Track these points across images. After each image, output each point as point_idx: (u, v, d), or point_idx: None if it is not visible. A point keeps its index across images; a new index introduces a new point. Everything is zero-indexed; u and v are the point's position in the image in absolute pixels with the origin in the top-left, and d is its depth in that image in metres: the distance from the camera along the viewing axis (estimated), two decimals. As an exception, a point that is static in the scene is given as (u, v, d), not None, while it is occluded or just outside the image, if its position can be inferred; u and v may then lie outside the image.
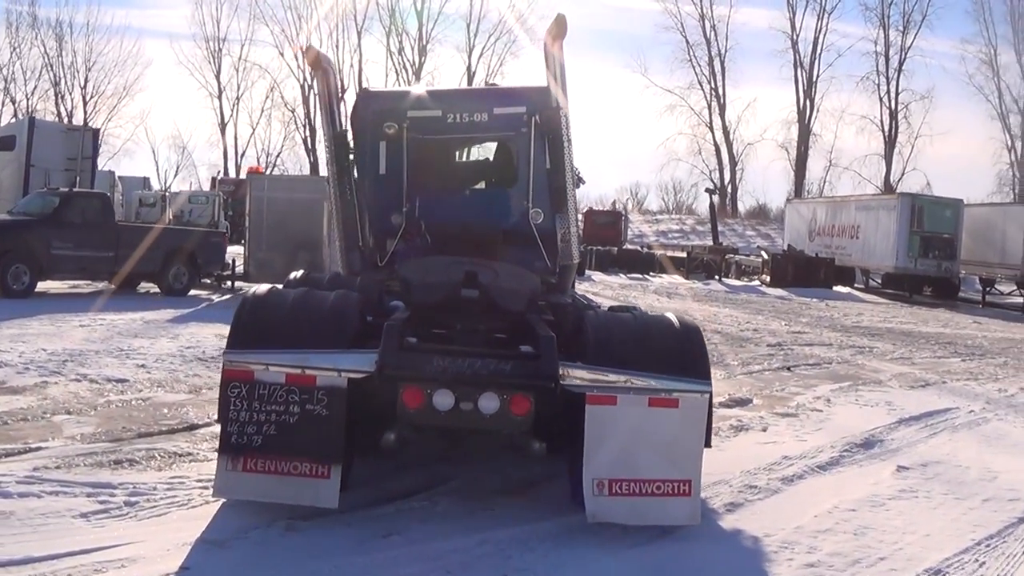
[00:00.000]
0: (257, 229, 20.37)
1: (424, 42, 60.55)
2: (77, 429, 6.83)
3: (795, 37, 59.73)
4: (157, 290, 18.20)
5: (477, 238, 8.85)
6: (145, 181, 43.75)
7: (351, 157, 8.97)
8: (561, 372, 5.03)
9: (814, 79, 59.94)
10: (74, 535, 4.61)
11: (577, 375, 5.09)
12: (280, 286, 6.28)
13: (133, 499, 5.21)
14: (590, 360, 5.25)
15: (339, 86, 8.77)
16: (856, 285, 35.41)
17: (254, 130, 64.97)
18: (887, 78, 58.85)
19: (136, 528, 4.81)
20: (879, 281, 35.49)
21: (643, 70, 78.40)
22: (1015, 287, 31.08)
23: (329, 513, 5.03)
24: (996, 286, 32.84)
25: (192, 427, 7.21)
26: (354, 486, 5.45)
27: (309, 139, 63.02)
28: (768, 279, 33.14)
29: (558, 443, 5.43)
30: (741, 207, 64.80)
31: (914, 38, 57.95)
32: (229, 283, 20.38)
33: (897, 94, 58.84)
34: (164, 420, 7.33)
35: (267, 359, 4.98)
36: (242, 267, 20.61)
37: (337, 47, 61.64)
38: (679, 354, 5.44)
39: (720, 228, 48.65)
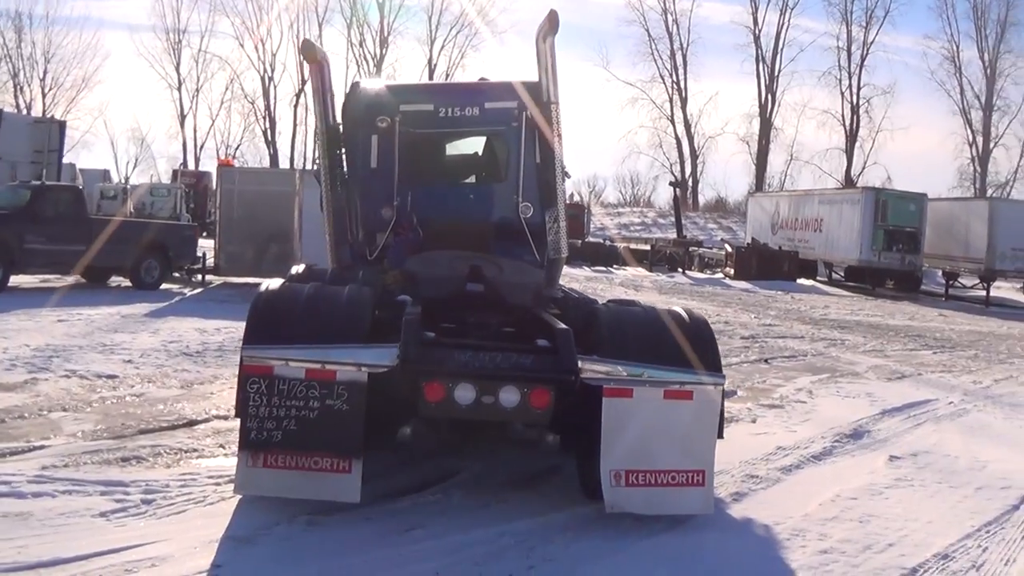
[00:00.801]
0: (227, 222, 20.20)
1: (385, 34, 60.29)
2: (77, 426, 6.77)
3: (757, 32, 60.31)
4: (128, 284, 17.99)
5: (467, 232, 8.88)
6: (105, 174, 43.17)
7: (341, 151, 8.95)
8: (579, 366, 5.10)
9: (776, 74, 60.56)
10: (97, 535, 4.58)
11: (594, 368, 5.15)
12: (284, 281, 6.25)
13: (149, 497, 5.18)
14: (605, 353, 5.32)
15: (332, 80, 8.72)
16: (819, 278, 35.88)
17: (213, 122, 64.32)
18: (849, 73, 59.62)
19: (158, 526, 4.79)
20: (842, 274, 35.90)
21: (605, 63, 78.72)
22: (978, 281, 31.63)
23: (347, 507, 5.05)
24: (959, 280, 33.39)
25: (191, 423, 7.17)
26: (366, 480, 5.46)
27: (269, 131, 62.63)
28: (732, 272, 33.41)
29: (568, 436, 5.50)
30: (702, 200, 65.38)
31: (876, 33, 58.78)
32: (200, 276, 20.20)
33: (859, 89, 59.63)
34: (162, 416, 7.28)
35: (287, 354, 4.97)
36: (212, 260, 20.43)
37: (298, 38, 61.09)
38: (691, 347, 5.53)
39: (682, 221, 49.03)
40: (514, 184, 9.05)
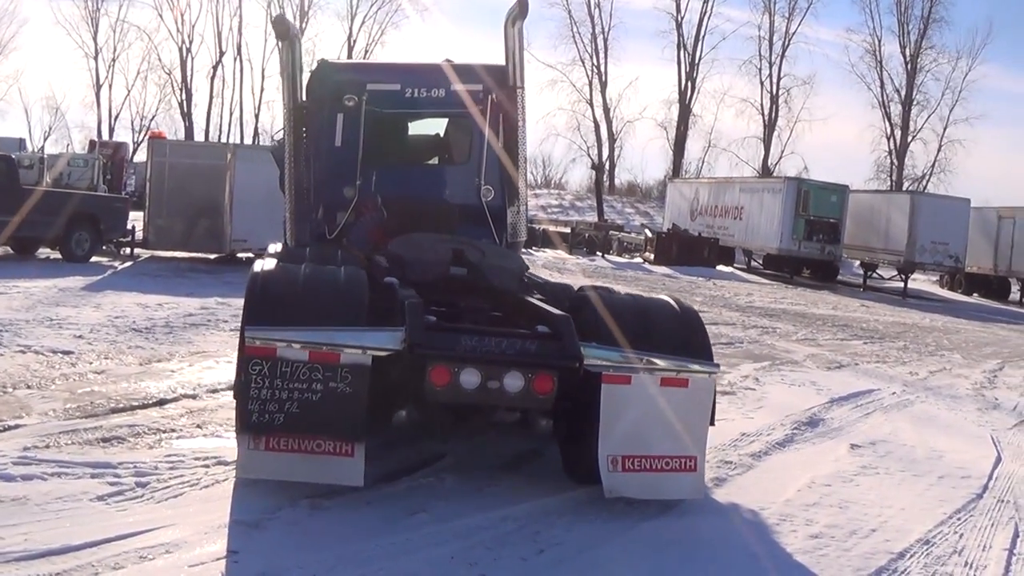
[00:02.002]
0: (158, 195, 19.71)
1: (306, 8, 59.24)
2: (46, 404, 6.56)
3: (680, 19, 60.85)
4: (56, 256, 17.42)
5: (430, 213, 8.87)
6: (21, 143, 41.63)
7: (304, 128, 8.80)
8: None
9: (696, 61, 61.29)
10: (101, 520, 4.47)
11: (595, 354, 5.20)
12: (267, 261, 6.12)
13: (143, 480, 5.07)
14: (601, 340, 5.38)
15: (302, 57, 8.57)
16: (736, 265, 36.50)
17: (129, 92, 62.50)
18: (770, 63, 60.75)
19: (159, 511, 4.69)
20: (760, 262, 36.60)
21: (526, 45, 78.53)
22: (896, 272, 32.68)
23: (347, 491, 5.02)
24: (877, 271, 34.44)
25: (161, 402, 7.02)
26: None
27: (185, 103, 61.09)
28: (652, 257, 33.77)
29: (557, 421, 5.56)
30: (618, 184, 66.09)
31: (799, 25, 59.94)
32: (128, 250, 19.67)
33: (779, 79, 60.82)
34: (130, 395, 7.10)
35: (290, 336, 4.90)
36: (141, 233, 19.91)
37: (217, 11, 59.88)
38: (684, 335, 5.65)
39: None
40: (477, 167, 9.06)
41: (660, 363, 5.31)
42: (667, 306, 5.94)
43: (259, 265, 5.59)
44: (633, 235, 40.82)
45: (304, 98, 8.66)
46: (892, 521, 5.62)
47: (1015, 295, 33.23)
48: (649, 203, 62.24)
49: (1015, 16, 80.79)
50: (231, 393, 7.39)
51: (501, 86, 8.93)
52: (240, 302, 12.68)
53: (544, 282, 7.69)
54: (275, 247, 7.26)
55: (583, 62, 60.77)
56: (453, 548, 4.53)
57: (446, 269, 6.78)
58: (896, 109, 58.98)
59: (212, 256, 20.14)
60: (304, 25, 58.40)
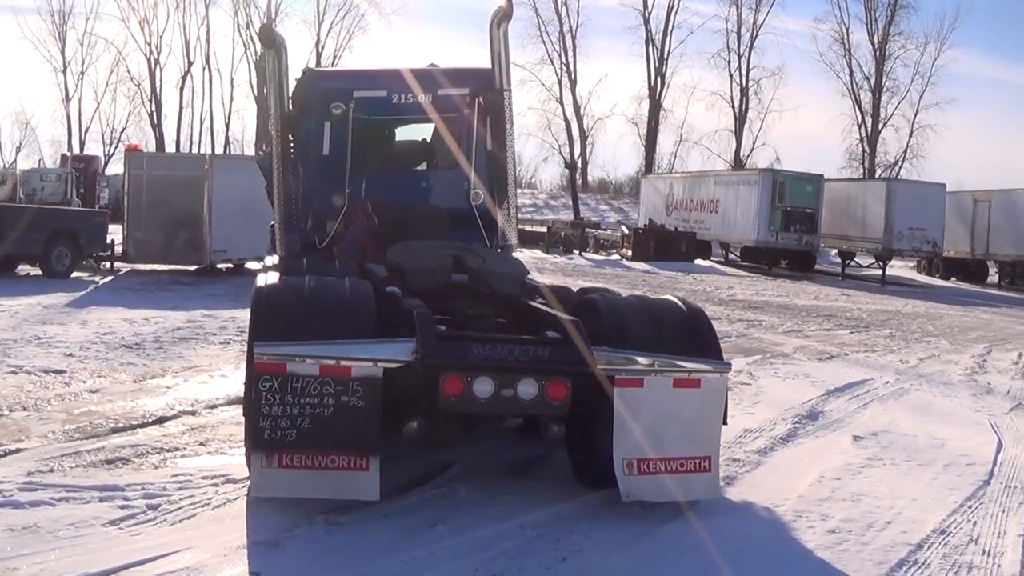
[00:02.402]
0: (136, 208, 19.60)
1: (273, 15, 58.84)
2: (45, 427, 6.46)
3: (647, 14, 60.72)
4: (36, 272, 17.21)
5: (420, 219, 8.82)
6: (-8, 159, 41.13)
7: (291, 137, 8.72)
8: None
9: (665, 56, 61.19)
10: (115, 546, 4.38)
11: (607, 358, 5.17)
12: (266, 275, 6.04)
13: (153, 502, 4.99)
14: (612, 343, 5.35)
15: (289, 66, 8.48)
16: (713, 258, 36.56)
17: (99, 105, 61.89)
18: (739, 55, 60.73)
19: (173, 533, 4.61)
20: (737, 254, 36.73)
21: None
22: (873, 260, 32.88)
23: (361, 505, 4.97)
24: (855, 259, 34.62)
25: (161, 420, 6.94)
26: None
27: (155, 114, 60.56)
28: (629, 253, 33.80)
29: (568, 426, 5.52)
30: (591, 181, 66.05)
31: (766, 16, 60.00)
32: (108, 264, 19.48)
33: (748, 71, 60.82)
34: (128, 414, 7.01)
35: (300, 351, 4.83)
36: (120, 247, 19.74)
37: (184, 20, 59.43)
38: (692, 335, 5.64)
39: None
40: (465, 171, 9.03)
41: (672, 364, 5.29)
42: (674, 307, 5.92)
43: (263, 279, 5.52)
44: (609, 232, 40.84)
45: (290, 107, 8.58)
46: (906, 512, 5.63)
47: (993, 278, 33.57)
48: (623, 199, 62.29)
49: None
50: (230, 409, 7.36)
51: (488, 89, 8.90)
52: (226, 314, 12.81)
53: (544, 286, 7.64)
54: (272, 259, 7.16)
55: (552, 61, 60.40)
56: (476, 560, 4.48)
57: (447, 276, 6.72)
58: (866, 97, 59.22)
59: (192, 268, 20.00)
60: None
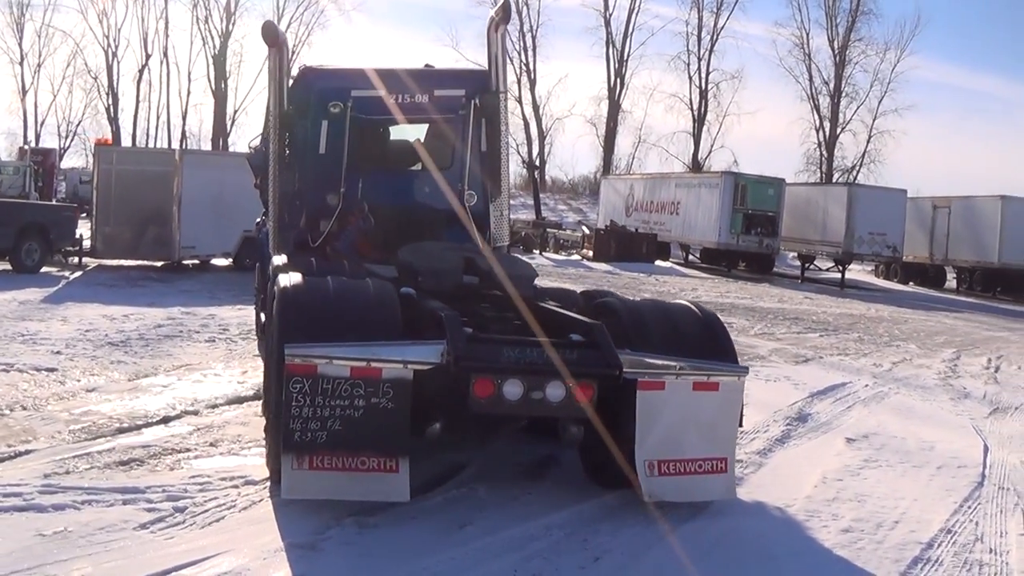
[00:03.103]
0: (104, 203, 19.33)
1: (232, 9, 58.26)
2: (49, 427, 6.40)
3: (608, 16, 61.11)
4: (5, 267, 16.91)
5: (415, 219, 8.85)
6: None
7: (287, 135, 8.70)
8: None
9: (625, 57, 61.57)
10: (152, 550, 4.37)
11: (629, 361, 5.25)
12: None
13: (179, 504, 4.98)
14: (633, 346, 5.43)
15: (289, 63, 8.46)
16: (672, 259, 36.87)
17: (55, 97, 60.74)
18: (698, 57, 61.28)
19: (207, 537, 4.60)
20: (697, 256, 37.05)
21: (454, 44, 78.33)
22: (833, 263, 33.39)
23: (386, 506, 5.00)
24: (815, 262, 35.10)
25: (165, 419, 6.90)
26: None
27: (112, 108, 59.57)
28: (590, 254, 33.97)
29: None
30: (549, 181, 66.16)
31: (727, 19, 60.60)
32: (76, 259, 19.18)
33: (707, 73, 61.36)
34: (132, 414, 6.95)
35: (331, 352, 4.85)
36: (89, 242, 19.45)
37: (142, 14, 58.53)
38: (709, 339, 5.75)
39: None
40: (460, 172, 9.06)
41: (692, 368, 5.39)
42: (689, 311, 6.03)
43: (286, 280, 5.50)
44: (569, 232, 40.98)
45: (287, 105, 8.55)
46: (910, 512, 5.80)
47: (951, 283, 34.31)
48: (582, 200, 62.47)
49: (943, 7, 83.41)
50: (232, 409, 7.33)
51: (484, 91, 8.94)
52: (205, 312, 12.73)
53: (557, 289, 7.71)
54: (280, 259, 7.12)
55: (511, 60, 60.68)
56: (512, 560, 4.55)
57: (460, 278, 6.77)
58: (825, 101, 60.01)
59: (159, 264, 19.79)
60: (231, 27, 57.46)
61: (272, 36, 8.07)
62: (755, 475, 6.52)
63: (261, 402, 7.37)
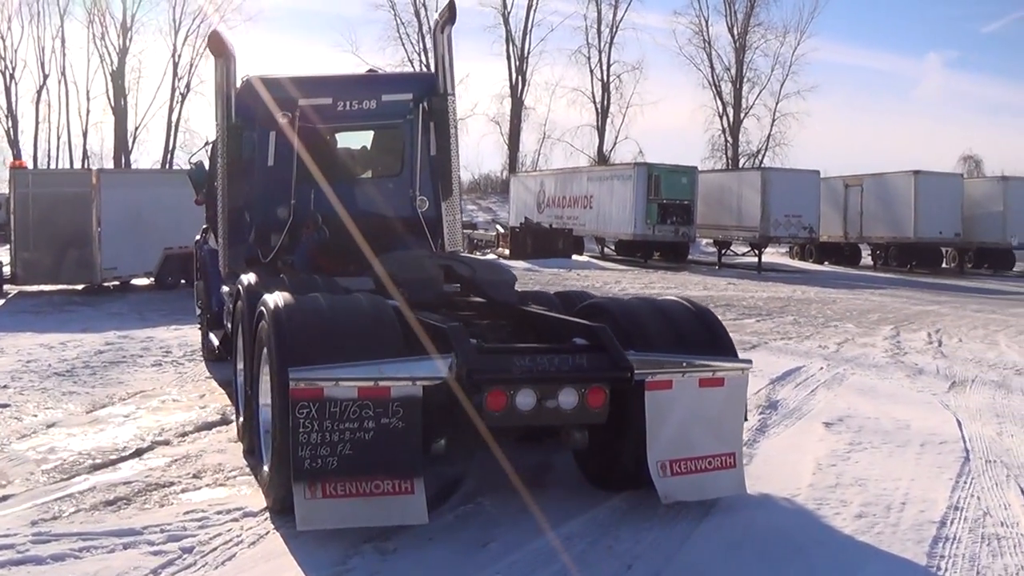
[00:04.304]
0: (23, 228, 18.53)
1: (129, 25, 56.52)
2: (19, 468, 6.01)
3: (506, 14, 61.27)
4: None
5: (369, 228, 8.66)
6: None
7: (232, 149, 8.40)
8: None
9: (526, 54, 61.88)
10: (172, 597, 4.11)
11: (636, 363, 5.16)
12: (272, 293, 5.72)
13: (184, 544, 4.68)
14: (636, 347, 5.35)
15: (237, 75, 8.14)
16: (587, 253, 37.29)
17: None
18: (599, 51, 61.95)
19: (227, 578, 4.35)
20: (613, 248, 37.38)
21: (354, 49, 77.45)
22: (749, 248, 34.06)
23: (400, 530, 4.82)
24: (731, 248, 35.80)
25: (138, 452, 6.54)
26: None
27: (12, 130, 57.14)
28: (507, 252, 33.99)
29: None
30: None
31: (625, 11, 61.35)
32: (-2, 287, 18.42)
33: (609, 66, 62.10)
34: (101, 448, 6.58)
35: (337, 374, 4.64)
36: (8, 269, 18.62)
37: (39, 32, 56.33)
38: (708, 334, 5.72)
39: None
40: (411, 178, 8.90)
41: (698, 365, 5.34)
42: (683, 306, 5.99)
43: (273, 300, 5.24)
44: (483, 232, 40.86)
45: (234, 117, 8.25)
46: (912, 493, 5.86)
47: (866, 260, 35.40)
48: (490, 199, 62.51)
49: None
50: (203, 436, 7.03)
51: (431, 94, 8.79)
52: (141, 334, 12.26)
53: (535, 292, 7.59)
54: (249, 277, 6.81)
55: (411, 62, 60.23)
56: (547, 575, 4.41)
57: (441, 287, 6.60)
58: (727, 88, 61.34)
59: (79, 287, 19.04)
60: (128, 44, 55.69)
61: (219, 46, 7.77)
62: (750, 467, 6.45)
63: (235, 427, 7.09)
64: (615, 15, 61.25)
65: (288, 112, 8.35)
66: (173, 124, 56.59)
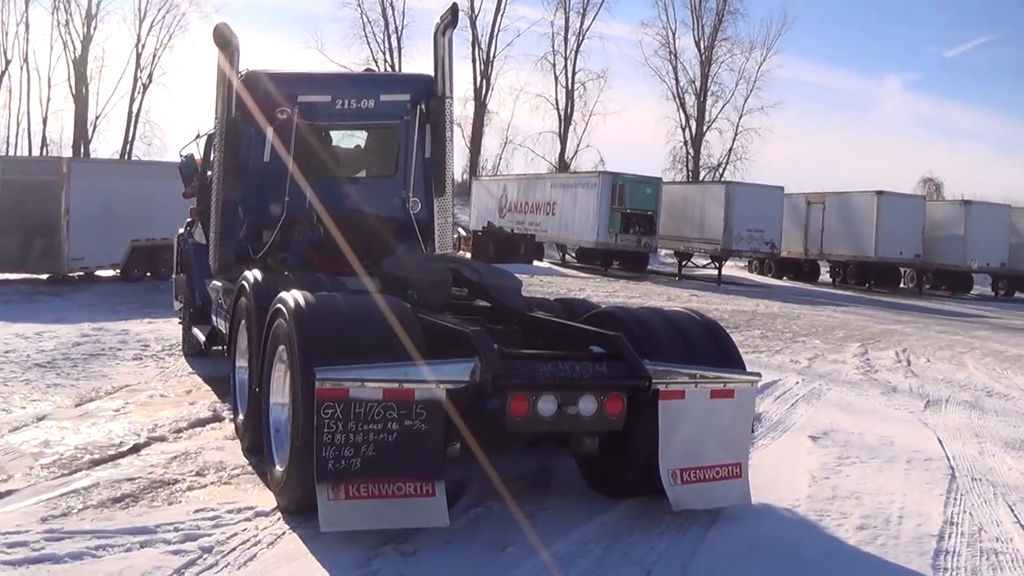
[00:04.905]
0: None
1: (93, 12, 55.55)
2: (17, 463, 5.91)
3: (473, 17, 61.25)
4: None
5: (363, 227, 8.67)
6: None
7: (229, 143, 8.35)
8: None
9: (491, 58, 61.94)
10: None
11: (653, 372, 5.24)
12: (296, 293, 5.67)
13: (203, 544, 4.65)
14: (648, 357, 5.42)
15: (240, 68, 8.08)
16: (547, 260, 37.47)
17: None
18: (565, 57, 62.15)
19: (252, 579, 4.34)
20: (573, 255, 37.63)
21: (320, 46, 77.04)
22: (710, 260, 34.41)
23: (419, 532, 4.85)
24: (691, 260, 36.15)
25: (135, 448, 6.46)
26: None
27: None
28: (468, 255, 33.98)
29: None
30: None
31: (592, 20, 61.63)
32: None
33: (573, 74, 62.35)
34: (96, 444, 6.48)
35: (364, 375, 4.65)
36: None
37: (2, 19, 55.05)
38: (717, 346, 5.83)
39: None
40: (406, 178, 8.92)
41: (711, 376, 5.43)
42: (692, 318, 6.09)
43: (293, 299, 5.22)
44: (440, 235, 40.58)
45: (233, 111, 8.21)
46: (907, 507, 6.02)
47: (824, 277, 35.95)
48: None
49: (808, 7, 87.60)
50: (199, 432, 6.96)
51: (430, 96, 8.82)
52: (116, 327, 12.12)
53: (533, 298, 7.65)
54: (255, 274, 6.73)
55: (376, 62, 59.98)
56: (570, 579, 4.48)
57: (450, 290, 6.63)
58: (691, 100, 61.83)
59: (44, 276, 18.72)
60: (92, 32, 54.71)
61: (224, 39, 7.71)
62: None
63: (232, 424, 7.05)
64: (582, 23, 61.61)
65: (286, 108, 8.31)
66: (134, 115, 55.74)
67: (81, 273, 19.19)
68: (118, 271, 19.71)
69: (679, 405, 5.33)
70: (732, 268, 38.53)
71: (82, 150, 51.85)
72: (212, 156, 8.94)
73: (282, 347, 5.37)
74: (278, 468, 5.35)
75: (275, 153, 8.47)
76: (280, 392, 5.59)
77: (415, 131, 8.87)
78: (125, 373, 9.29)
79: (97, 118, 55.62)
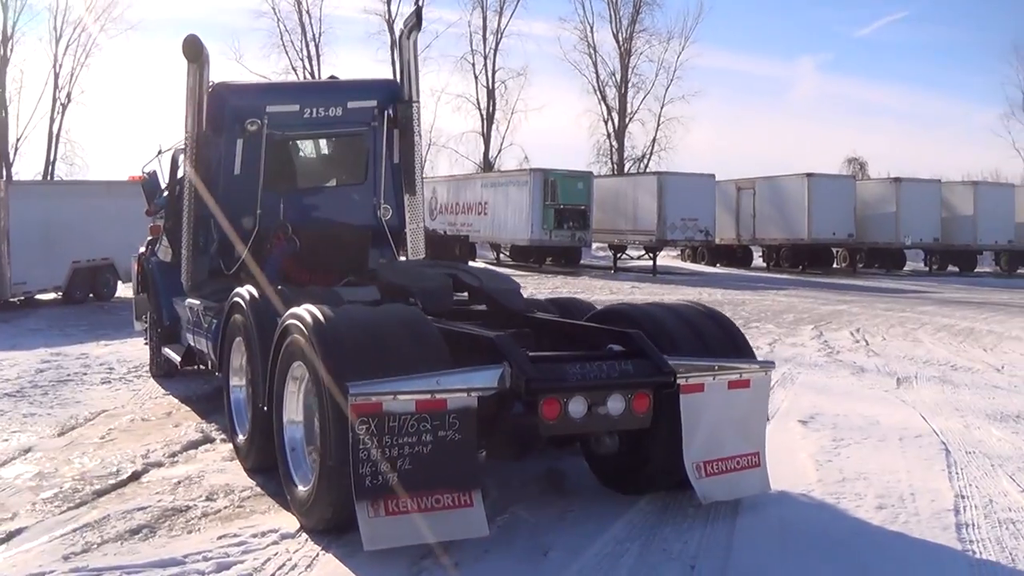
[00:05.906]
0: None
1: (8, 33, 53.60)
2: (18, 497, 5.69)
3: (390, 20, 60.60)
4: None
5: (335, 238, 8.59)
6: None
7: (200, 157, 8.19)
8: None
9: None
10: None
11: (675, 367, 5.26)
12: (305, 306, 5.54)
13: (241, 572, 4.54)
14: (664, 352, 5.44)
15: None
16: (481, 259, 37.25)
17: None
18: (484, 56, 62.01)
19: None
20: (508, 254, 37.82)
21: (238, 57, 75.60)
22: (644, 251, 34.72)
23: (457, 543, 4.78)
24: (626, 251, 36.44)
25: (134, 476, 6.26)
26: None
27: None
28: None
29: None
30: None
31: (510, 18, 61.51)
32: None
33: (494, 72, 62.21)
34: (93, 473, 6.28)
35: (396, 387, 4.57)
36: None
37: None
38: (728, 336, 5.90)
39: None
40: (376, 186, 8.85)
41: (727, 367, 5.48)
42: (698, 311, 6.14)
43: (310, 314, 5.10)
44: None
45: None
46: (916, 484, 6.17)
47: (757, 261, 36.60)
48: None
49: None
50: (197, 455, 6.78)
51: (396, 100, 8.75)
52: (74, 351, 11.77)
53: (530, 300, 7.61)
54: (250, 290, 6.55)
55: (295, 71, 59.13)
56: (615, 581, 4.48)
57: (451, 295, 6.57)
58: (612, 93, 62.12)
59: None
60: (9, 54, 52.74)
61: (194, 51, 7.52)
62: (750, 465, 6.69)
63: (227, 446, 6.89)
64: (500, 22, 61.47)
65: (256, 119, 8.14)
66: (54, 135, 54.00)
67: (22, 297, 18.55)
68: (60, 294, 19.08)
69: (699, 398, 5.37)
70: (665, 258, 38.97)
71: (4, 173, 49.95)
72: (179, 172, 8.72)
73: (297, 364, 5.26)
74: (301, 488, 5.23)
75: (246, 166, 8.30)
76: (295, 410, 5.48)
77: (383, 136, 8.78)
78: (98, 398, 9.00)
79: (18, 140, 53.77)
